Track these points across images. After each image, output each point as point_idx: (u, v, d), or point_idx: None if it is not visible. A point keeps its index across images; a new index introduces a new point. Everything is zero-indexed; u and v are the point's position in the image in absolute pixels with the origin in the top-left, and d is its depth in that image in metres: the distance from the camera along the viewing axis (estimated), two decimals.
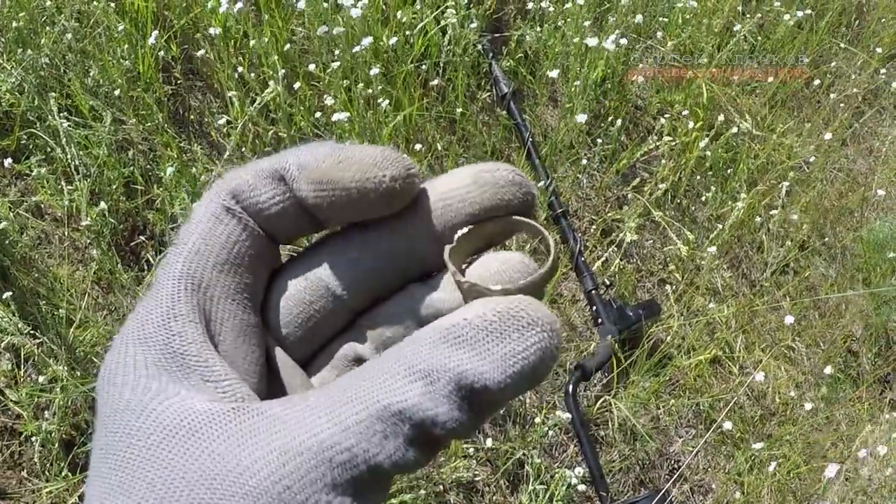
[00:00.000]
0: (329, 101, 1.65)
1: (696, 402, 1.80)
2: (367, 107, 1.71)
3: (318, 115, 1.71)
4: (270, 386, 0.25)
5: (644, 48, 2.19)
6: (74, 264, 1.53)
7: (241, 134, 1.65)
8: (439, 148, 1.85)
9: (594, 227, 1.94)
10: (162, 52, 1.73)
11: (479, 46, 1.95)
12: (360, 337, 0.26)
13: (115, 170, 1.59)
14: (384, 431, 0.20)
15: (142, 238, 1.59)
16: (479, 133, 1.92)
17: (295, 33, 1.82)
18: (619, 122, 1.93)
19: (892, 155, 2.47)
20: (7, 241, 1.41)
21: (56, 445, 1.32)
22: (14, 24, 1.60)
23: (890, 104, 2.60)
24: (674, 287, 1.90)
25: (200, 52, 1.71)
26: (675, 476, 1.71)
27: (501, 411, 1.60)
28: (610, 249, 1.89)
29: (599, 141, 1.99)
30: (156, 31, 1.69)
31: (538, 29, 2.04)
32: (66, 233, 1.54)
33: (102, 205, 1.50)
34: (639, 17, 2.06)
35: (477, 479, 1.54)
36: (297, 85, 1.72)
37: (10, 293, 1.34)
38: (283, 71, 1.66)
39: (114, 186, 1.58)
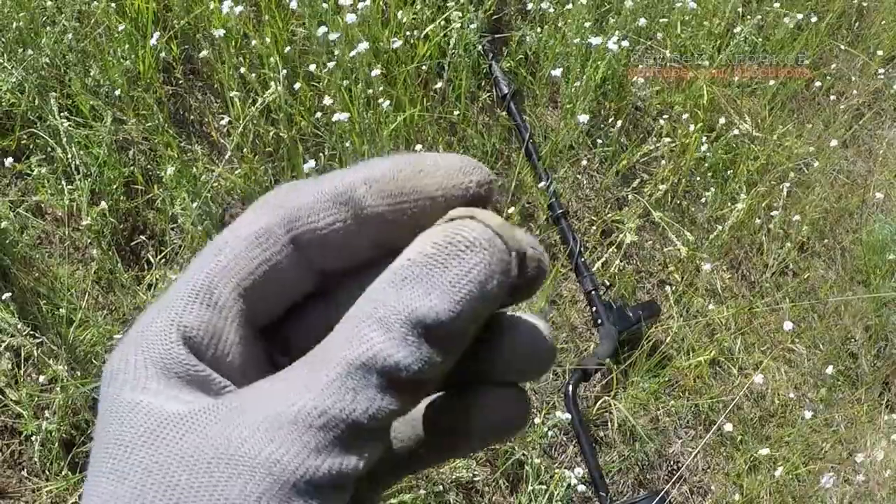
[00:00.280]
0: (328, 101, 1.66)
1: (695, 404, 1.80)
2: (367, 107, 1.71)
3: (318, 115, 1.71)
4: None
5: (644, 49, 2.19)
6: (75, 264, 1.53)
7: (242, 134, 1.65)
8: (440, 150, 1.86)
9: (594, 227, 1.94)
10: (163, 53, 1.73)
11: (480, 47, 1.95)
12: None
13: (116, 169, 1.59)
14: (354, 387, 0.20)
15: (142, 238, 1.59)
16: (480, 134, 1.92)
17: (295, 34, 1.82)
18: (619, 123, 1.93)
19: (892, 157, 2.47)
20: (7, 241, 1.41)
21: (56, 445, 1.32)
22: (15, 23, 1.61)
23: (890, 106, 2.61)
24: (673, 288, 1.90)
25: (203, 53, 1.71)
26: (674, 477, 1.71)
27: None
28: (610, 250, 1.89)
29: (599, 142, 1.99)
30: (157, 32, 1.69)
31: (538, 30, 2.04)
32: (66, 232, 1.54)
33: (103, 204, 1.50)
34: (642, 20, 2.06)
35: (477, 479, 1.54)
36: (297, 85, 1.72)
37: (11, 293, 1.34)
38: (284, 71, 1.66)
39: (114, 186, 1.58)
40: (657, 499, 1.47)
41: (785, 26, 2.33)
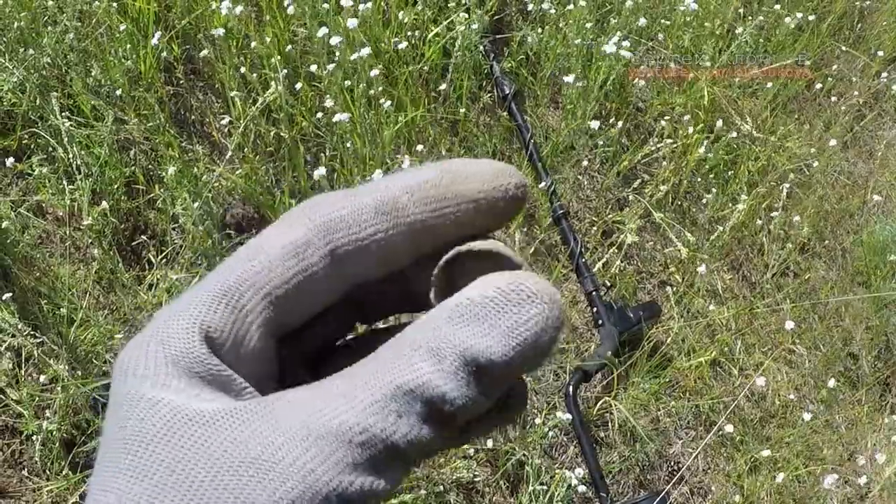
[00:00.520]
0: (329, 103, 1.66)
1: (696, 404, 1.80)
2: (368, 107, 1.71)
3: (319, 115, 1.71)
4: None
5: (645, 50, 2.19)
6: (76, 264, 1.53)
7: (243, 134, 1.65)
8: (442, 152, 1.86)
9: (595, 228, 1.94)
10: (164, 53, 1.73)
11: (481, 48, 1.95)
12: None
13: (117, 169, 1.59)
14: (398, 411, 0.21)
15: (143, 238, 1.59)
16: (481, 134, 1.93)
17: (296, 34, 1.82)
18: (620, 123, 1.93)
19: (893, 158, 2.47)
20: (8, 241, 1.41)
21: (57, 445, 1.32)
22: (16, 23, 1.61)
23: (891, 108, 2.61)
24: (674, 289, 1.90)
25: (203, 53, 1.71)
26: (674, 478, 1.71)
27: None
28: (610, 251, 1.89)
29: (600, 143, 1.99)
30: (158, 32, 1.69)
31: (539, 30, 2.04)
32: (67, 232, 1.54)
33: (104, 204, 1.50)
34: (642, 20, 2.06)
35: (477, 479, 1.54)
36: (298, 85, 1.72)
37: (11, 293, 1.34)
38: (285, 71, 1.66)
39: (115, 186, 1.58)
40: (658, 499, 1.47)
41: (786, 27, 2.33)
